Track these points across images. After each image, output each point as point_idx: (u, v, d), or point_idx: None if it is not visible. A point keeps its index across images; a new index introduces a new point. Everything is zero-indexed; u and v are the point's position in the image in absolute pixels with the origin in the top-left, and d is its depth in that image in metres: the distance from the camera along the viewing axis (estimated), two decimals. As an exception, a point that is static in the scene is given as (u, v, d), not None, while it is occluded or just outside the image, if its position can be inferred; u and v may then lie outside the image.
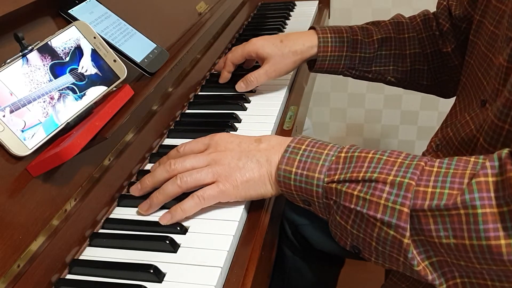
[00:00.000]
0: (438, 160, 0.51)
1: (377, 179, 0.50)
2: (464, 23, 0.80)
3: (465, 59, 0.74)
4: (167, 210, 0.60)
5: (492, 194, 0.44)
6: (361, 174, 0.51)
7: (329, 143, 0.58)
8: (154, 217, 0.61)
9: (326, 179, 0.54)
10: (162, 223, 0.58)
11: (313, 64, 0.89)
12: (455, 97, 0.78)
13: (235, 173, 0.59)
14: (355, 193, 0.51)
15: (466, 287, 0.50)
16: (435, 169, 0.49)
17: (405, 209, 0.48)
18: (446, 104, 0.94)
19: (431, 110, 1.78)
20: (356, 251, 0.55)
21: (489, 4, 0.66)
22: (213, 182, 0.59)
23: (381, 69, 0.89)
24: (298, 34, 0.87)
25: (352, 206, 0.51)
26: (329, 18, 1.41)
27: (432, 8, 0.89)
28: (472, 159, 0.49)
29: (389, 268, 0.53)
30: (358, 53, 0.87)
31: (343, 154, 0.55)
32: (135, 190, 0.63)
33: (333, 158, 0.55)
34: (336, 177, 0.53)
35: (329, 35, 0.86)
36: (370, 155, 0.53)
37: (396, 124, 1.86)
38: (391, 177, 0.49)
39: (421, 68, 0.87)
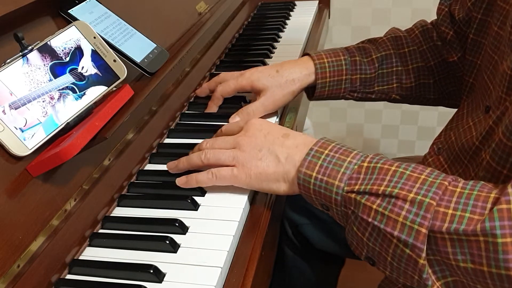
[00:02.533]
0: (463, 181, 0.50)
1: (398, 195, 0.49)
2: (468, 27, 0.76)
3: (468, 59, 0.72)
4: (161, 209, 0.60)
5: None
6: (382, 188, 0.50)
7: (353, 149, 0.57)
8: (154, 217, 0.61)
9: (346, 188, 0.53)
10: (178, 183, 0.64)
11: (312, 92, 0.85)
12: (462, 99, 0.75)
13: (251, 162, 0.61)
14: (374, 207, 0.50)
15: None
16: (458, 190, 0.48)
17: (423, 230, 0.46)
18: (446, 104, 0.94)
19: (431, 110, 1.78)
20: (371, 262, 0.54)
21: (494, 3, 0.64)
22: (230, 165, 0.62)
23: (385, 88, 0.85)
24: (294, 63, 0.83)
25: (370, 220, 0.50)
26: (329, 18, 1.40)
27: (432, 8, 0.87)
28: (500, 185, 0.48)
29: (404, 283, 0.53)
30: (358, 74, 0.83)
31: (365, 164, 0.54)
32: (172, 167, 0.67)
33: (355, 167, 0.54)
34: (356, 187, 0.52)
35: (325, 60, 0.82)
36: (393, 168, 0.52)
37: (396, 124, 1.86)
38: (412, 195, 0.48)
39: (427, 82, 0.84)
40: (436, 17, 0.85)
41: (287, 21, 1.25)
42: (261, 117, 0.79)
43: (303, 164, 0.57)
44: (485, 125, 0.59)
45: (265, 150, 0.61)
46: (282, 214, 0.86)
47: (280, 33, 1.17)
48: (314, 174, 0.56)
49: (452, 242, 0.45)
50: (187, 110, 0.86)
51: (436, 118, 1.79)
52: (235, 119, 0.79)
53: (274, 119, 0.81)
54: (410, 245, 0.47)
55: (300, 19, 1.26)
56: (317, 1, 1.36)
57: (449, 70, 0.83)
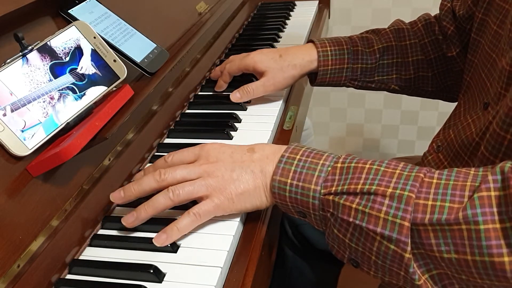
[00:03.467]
0: (437, 171, 0.50)
1: (376, 192, 0.49)
2: (468, 24, 0.78)
3: (468, 58, 0.72)
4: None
5: (495, 209, 0.43)
6: (359, 186, 0.50)
7: (324, 152, 0.57)
8: (155, 217, 0.60)
9: (322, 191, 0.53)
10: (157, 244, 0.55)
11: (314, 77, 0.88)
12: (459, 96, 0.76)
13: (230, 186, 0.57)
14: (354, 206, 0.50)
15: None
16: (434, 181, 0.48)
17: (406, 223, 0.47)
18: (446, 104, 0.94)
19: (431, 110, 1.78)
20: (355, 264, 0.54)
21: (493, 3, 0.65)
22: (206, 195, 0.57)
23: (384, 78, 0.87)
24: (297, 48, 0.86)
25: (351, 220, 0.50)
26: (329, 18, 1.41)
27: (432, 8, 0.88)
28: (472, 171, 0.48)
29: (389, 281, 0.53)
30: (359, 64, 0.86)
31: (339, 165, 0.54)
32: (117, 197, 0.59)
33: (329, 168, 0.54)
34: (333, 188, 0.52)
35: (328, 48, 0.85)
36: (367, 166, 0.52)
37: (396, 124, 1.86)
38: (390, 190, 0.48)
39: (425, 74, 0.86)
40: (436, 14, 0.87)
41: (287, 21, 1.25)
42: (259, 107, 0.82)
43: (277, 172, 0.55)
44: (485, 121, 0.59)
45: (238, 170, 0.58)
46: (282, 214, 0.86)
47: (280, 33, 1.17)
48: (289, 181, 0.54)
49: (435, 233, 0.46)
50: (187, 110, 0.87)
51: (436, 118, 1.79)
52: (235, 95, 0.83)
53: (284, 91, 0.81)
54: (394, 240, 0.47)
55: (300, 19, 1.26)
56: (317, 1, 1.36)
57: (448, 65, 0.85)
